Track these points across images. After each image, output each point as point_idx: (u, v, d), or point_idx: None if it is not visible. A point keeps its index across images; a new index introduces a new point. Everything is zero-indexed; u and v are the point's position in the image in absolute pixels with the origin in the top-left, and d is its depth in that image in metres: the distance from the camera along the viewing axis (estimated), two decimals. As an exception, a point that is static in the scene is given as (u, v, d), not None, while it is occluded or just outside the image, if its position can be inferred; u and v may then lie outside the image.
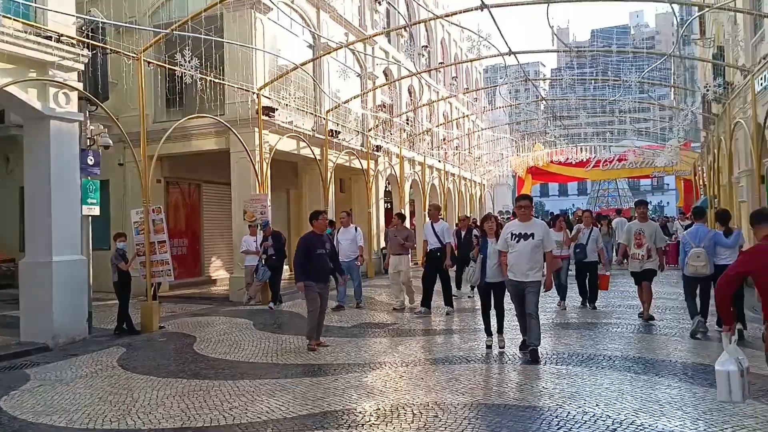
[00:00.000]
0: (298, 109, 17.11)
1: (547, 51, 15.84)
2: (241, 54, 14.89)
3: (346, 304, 13.04)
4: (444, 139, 30.66)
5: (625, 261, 11.50)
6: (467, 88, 36.46)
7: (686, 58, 21.74)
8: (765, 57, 13.04)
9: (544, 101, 28.87)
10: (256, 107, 14.94)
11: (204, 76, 13.38)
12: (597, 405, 5.78)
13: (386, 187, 24.93)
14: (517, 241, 7.67)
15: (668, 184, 73.72)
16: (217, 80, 13.92)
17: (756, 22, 15.31)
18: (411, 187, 26.91)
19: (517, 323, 8.24)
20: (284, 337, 10.10)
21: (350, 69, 19.90)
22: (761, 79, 13.38)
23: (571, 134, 37.36)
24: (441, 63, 30.86)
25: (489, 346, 8.41)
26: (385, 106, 23.92)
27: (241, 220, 14.83)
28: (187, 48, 12.33)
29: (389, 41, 25.82)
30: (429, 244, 12.17)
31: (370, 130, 21.76)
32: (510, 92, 42.03)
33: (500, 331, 8.48)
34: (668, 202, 75.30)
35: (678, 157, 36.28)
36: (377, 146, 22.16)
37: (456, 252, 13.34)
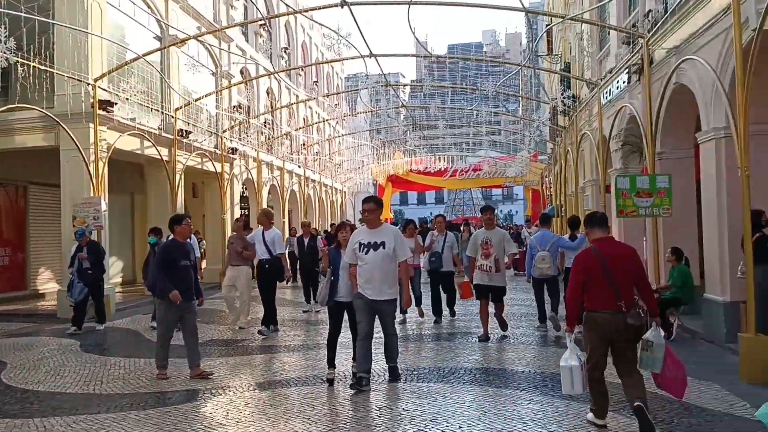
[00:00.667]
0: (141, 104, 15.60)
1: (407, 55, 15.83)
2: (73, 39, 13.25)
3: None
4: (304, 144, 29.95)
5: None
6: (328, 93, 36.03)
7: (538, 68, 22.64)
8: (610, 71, 13.64)
9: (404, 108, 29.20)
10: (92, 100, 13.36)
11: (25, 61, 11.71)
12: (461, 427, 5.32)
13: (243, 192, 23.74)
14: (366, 252, 6.56)
15: (517, 194, 78.00)
16: (42, 66, 12.24)
17: (601, 38, 16.10)
18: (269, 193, 25.89)
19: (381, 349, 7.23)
20: (114, 360, 8.85)
21: (202, 65, 18.61)
22: (606, 92, 13.98)
23: (430, 144, 38.20)
24: (302, 65, 30.14)
25: (330, 381, 6.93)
26: (241, 107, 22.76)
27: (72, 226, 13.14)
28: (2, 26, 10.70)
29: (246, 40, 24.74)
30: (258, 255, 10.57)
31: (224, 132, 20.52)
32: (371, 99, 42.24)
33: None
34: (517, 211, 79.60)
35: (527, 168, 38.26)
36: (232, 149, 20.97)
37: (299, 262, 12.50)
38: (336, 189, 40.57)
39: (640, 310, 5.11)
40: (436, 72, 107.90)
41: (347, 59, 19.24)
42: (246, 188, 23.87)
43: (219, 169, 19.77)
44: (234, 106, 21.44)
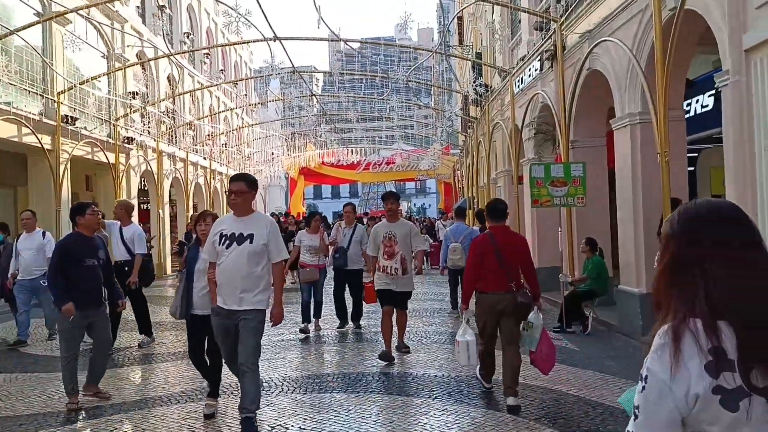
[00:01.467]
0: (17, 86, 13.97)
1: (314, 39, 14.84)
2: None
3: (29, 338, 9.45)
4: (209, 135, 28.47)
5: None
6: (232, 81, 34.57)
7: (450, 55, 22.27)
8: (522, 59, 13.35)
9: (315, 99, 28.32)
10: (-48, 79, 11.75)
11: None
12: (365, 448, 4.62)
13: (142, 185, 22.15)
14: (228, 246, 4.93)
15: (430, 188, 78.66)
16: None
17: (513, 27, 15.86)
18: (172, 186, 24.35)
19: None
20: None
21: (86, 43, 16.99)
22: (518, 81, 13.69)
23: (342, 137, 37.50)
24: (201, 48, 28.48)
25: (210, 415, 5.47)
26: (137, 95, 21.16)
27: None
28: None
29: (144, 22, 23.10)
30: (116, 255, 8.71)
31: (117, 119, 18.94)
32: (281, 90, 41.02)
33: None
34: (430, 204, 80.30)
35: (439, 161, 38.30)
36: (128, 138, 19.41)
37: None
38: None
39: (527, 291, 5.63)
40: (348, 65, 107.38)
41: (250, 41, 18.45)
42: (145, 181, 22.30)
43: (113, 160, 18.22)
44: (130, 92, 19.87)
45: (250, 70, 44.44)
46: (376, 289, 7.64)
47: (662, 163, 6.36)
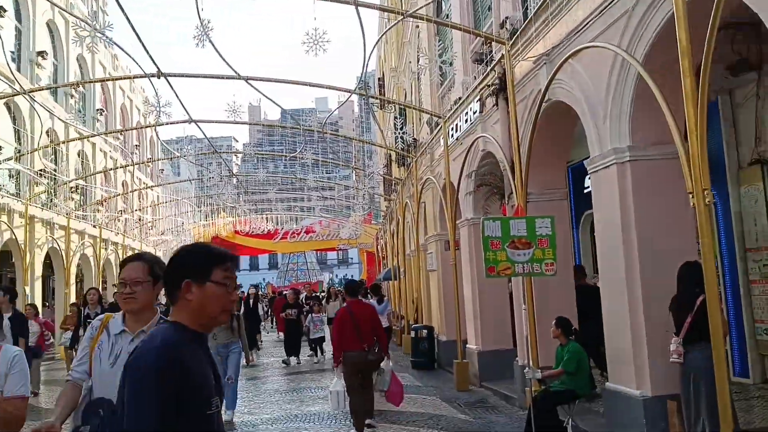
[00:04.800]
0: None
1: (225, 122, 13.24)
2: None
3: None
4: (101, 200, 25.12)
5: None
6: (150, 158, 31.91)
7: (373, 97, 20.36)
8: (456, 102, 11.34)
9: (233, 176, 26.34)
10: None
11: None
12: None
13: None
14: None
15: (352, 258, 76.27)
16: None
17: (442, 73, 13.99)
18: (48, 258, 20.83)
19: None
20: None
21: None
22: (451, 129, 11.66)
23: (258, 208, 34.81)
24: (115, 130, 26.11)
25: None
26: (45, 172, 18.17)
27: None
28: None
29: (56, 99, 20.82)
30: None
31: None
32: (200, 165, 38.26)
33: None
34: (353, 275, 77.60)
35: (361, 229, 36.11)
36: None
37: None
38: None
39: (376, 349, 7.55)
40: (266, 139, 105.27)
41: (166, 124, 16.62)
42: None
43: None
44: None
45: (162, 143, 41.83)
46: None
47: (699, 204, 4.14)
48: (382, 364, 7.62)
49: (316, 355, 15.14)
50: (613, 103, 6.15)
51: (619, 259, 6.09)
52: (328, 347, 12.63)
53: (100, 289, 22.80)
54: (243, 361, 8.74)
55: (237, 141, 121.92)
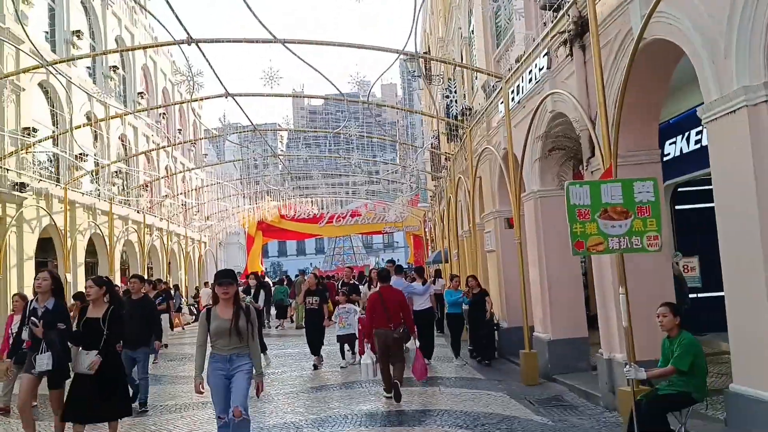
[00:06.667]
0: None
1: (264, 95, 12.22)
2: None
3: None
4: (144, 185, 24.61)
5: None
6: (192, 139, 31.40)
7: (422, 56, 19.20)
8: (518, 60, 10.01)
9: (276, 157, 25.68)
10: None
11: None
12: None
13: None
14: None
15: (398, 242, 75.34)
16: None
17: (498, 33, 12.67)
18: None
19: None
20: None
21: None
22: (512, 91, 10.36)
23: (304, 192, 34.00)
24: (154, 107, 25.54)
25: None
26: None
27: None
28: None
29: (94, 81, 20.48)
30: None
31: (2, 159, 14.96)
32: (244, 147, 37.80)
33: None
34: (398, 259, 76.66)
35: (407, 212, 34.98)
36: (21, 184, 15.43)
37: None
38: (203, 241, 35.55)
39: (401, 329, 8.54)
40: (311, 123, 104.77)
41: (203, 99, 16.03)
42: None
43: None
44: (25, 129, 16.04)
45: (207, 129, 41.64)
46: None
47: None
48: (407, 344, 9.02)
49: (343, 357, 11.94)
50: (741, 32, 4.81)
51: (753, 229, 4.77)
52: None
53: (146, 275, 22.39)
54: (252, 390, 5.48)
55: (281, 127, 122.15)
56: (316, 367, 11.57)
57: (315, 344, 11.88)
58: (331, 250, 71.12)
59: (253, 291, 15.09)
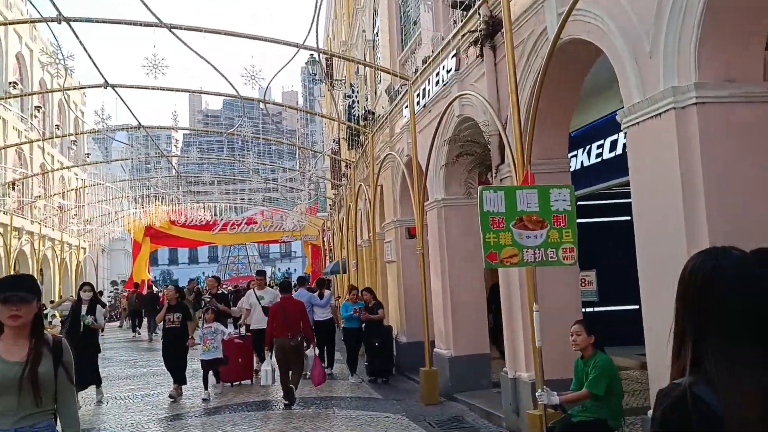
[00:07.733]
0: None
1: (156, 89, 11.07)
2: None
3: None
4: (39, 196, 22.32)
5: None
6: (69, 135, 28.90)
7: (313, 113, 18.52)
8: (425, 61, 9.54)
9: (169, 162, 24.13)
10: None
11: None
12: None
13: None
14: None
15: (296, 251, 73.99)
16: None
17: (404, 35, 12.20)
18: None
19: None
20: None
21: None
22: (418, 94, 9.88)
23: (197, 198, 32.21)
24: (37, 103, 23.23)
25: None
26: None
27: None
28: None
29: None
30: None
31: None
32: (132, 147, 35.31)
33: None
34: (296, 269, 75.16)
35: (305, 221, 34.08)
36: None
37: None
38: (69, 244, 32.56)
39: (299, 338, 9.14)
40: (210, 127, 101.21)
41: (77, 88, 14.29)
42: None
43: None
44: None
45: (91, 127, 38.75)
46: None
47: None
48: (307, 351, 9.60)
49: (206, 387, 9.86)
50: (669, 28, 4.46)
51: (678, 241, 4.39)
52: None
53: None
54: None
55: (176, 132, 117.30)
56: (173, 397, 9.78)
57: (176, 371, 9.99)
58: (225, 258, 68.61)
59: (85, 308, 9.88)
